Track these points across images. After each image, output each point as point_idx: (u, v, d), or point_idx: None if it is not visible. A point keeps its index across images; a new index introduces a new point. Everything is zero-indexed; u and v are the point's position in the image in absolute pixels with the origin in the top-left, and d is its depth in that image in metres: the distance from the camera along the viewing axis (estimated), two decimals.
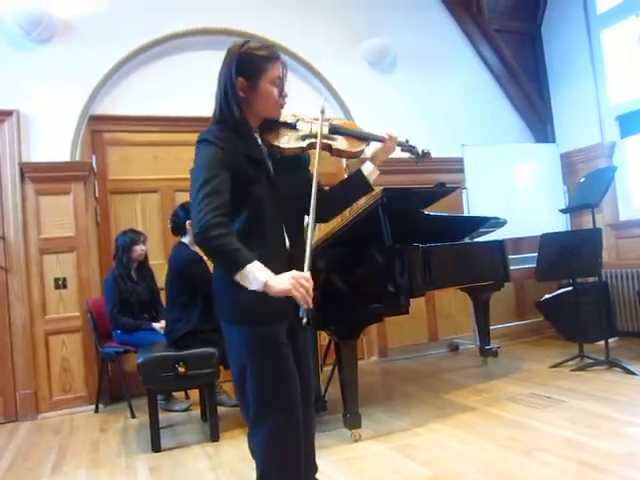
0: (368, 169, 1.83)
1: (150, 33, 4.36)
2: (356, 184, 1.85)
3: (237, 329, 1.70)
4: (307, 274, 1.49)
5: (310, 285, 1.48)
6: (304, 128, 1.71)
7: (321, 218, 1.88)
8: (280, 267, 1.62)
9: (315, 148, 1.66)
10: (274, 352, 1.67)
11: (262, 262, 1.56)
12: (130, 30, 4.31)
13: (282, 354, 1.69)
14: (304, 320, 1.45)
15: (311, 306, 1.46)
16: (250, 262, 1.49)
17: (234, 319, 1.70)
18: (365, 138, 1.81)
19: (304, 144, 1.69)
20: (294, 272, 1.50)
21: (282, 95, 1.69)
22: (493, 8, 5.53)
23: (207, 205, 1.49)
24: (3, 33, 4.01)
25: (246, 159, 1.64)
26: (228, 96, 1.66)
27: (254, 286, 1.49)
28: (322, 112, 1.71)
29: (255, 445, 1.73)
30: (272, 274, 1.49)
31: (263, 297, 1.59)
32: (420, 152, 1.91)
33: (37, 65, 4.07)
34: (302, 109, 1.80)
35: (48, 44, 4.11)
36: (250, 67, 1.63)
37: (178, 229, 3.37)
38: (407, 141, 1.89)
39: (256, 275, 1.48)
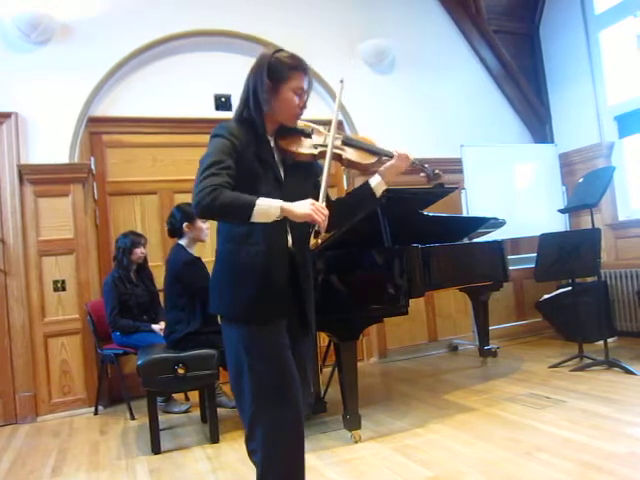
0: (375, 181, 1.86)
1: (148, 35, 4.36)
2: (362, 195, 1.88)
3: (235, 327, 1.71)
4: (323, 204, 1.59)
5: (327, 214, 1.57)
6: (318, 137, 1.79)
7: (327, 227, 1.93)
8: (281, 262, 1.72)
9: (325, 158, 1.73)
10: (273, 350, 1.69)
11: (263, 255, 1.69)
12: (128, 32, 4.32)
13: (281, 353, 1.70)
14: (319, 234, 1.57)
15: (324, 231, 1.58)
16: (256, 199, 1.54)
17: (233, 314, 1.72)
18: (377, 153, 1.85)
19: (316, 151, 1.76)
20: (312, 200, 1.58)
21: (301, 106, 1.75)
22: (491, 9, 5.54)
23: (205, 180, 1.54)
24: (2, 35, 4.01)
25: (256, 158, 1.69)
26: (256, 94, 1.71)
27: (273, 215, 1.55)
28: (341, 81, 1.85)
29: (255, 446, 1.72)
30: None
31: (264, 293, 1.68)
32: (432, 173, 1.93)
33: (36, 67, 4.06)
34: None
35: (46, 46, 4.11)
36: (276, 72, 1.70)
37: (175, 231, 3.36)
38: (419, 161, 1.92)
39: (270, 204, 1.55)
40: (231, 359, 1.74)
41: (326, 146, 1.74)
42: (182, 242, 3.34)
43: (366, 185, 1.86)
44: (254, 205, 1.52)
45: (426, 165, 1.95)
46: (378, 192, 1.86)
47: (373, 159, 1.84)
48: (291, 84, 1.70)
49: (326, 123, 1.82)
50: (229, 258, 1.73)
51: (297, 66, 1.72)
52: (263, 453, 1.69)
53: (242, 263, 1.69)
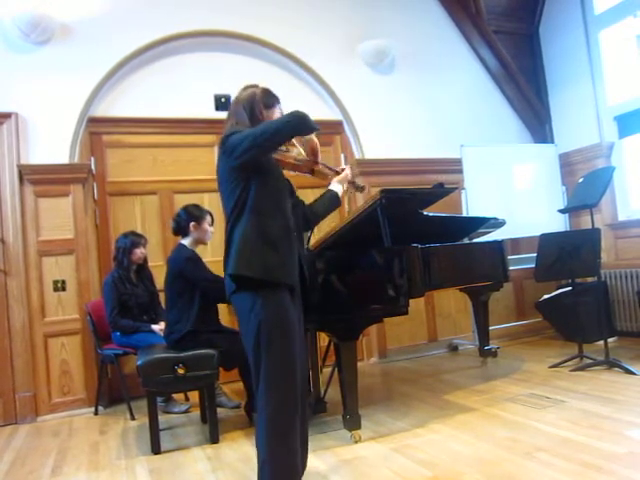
0: (337, 187, 2.50)
1: (149, 35, 4.36)
2: (329, 199, 2.48)
3: (257, 290, 1.94)
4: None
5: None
6: (296, 153, 2.29)
7: (304, 227, 2.42)
8: (293, 243, 2.07)
9: (300, 170, 2.31)
10: (286, 314, 1.96)
11: (287, 230, 2.06)
12: (129, 32, 4.32)
13: (295, 329, 1.99)
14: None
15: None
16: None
17: (260, 274, 1.94)
18: (332, 168, 2.51)
19: (294, 162, 2.28)
20: None
21: None
22: (491, 9, 5.54)
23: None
24: (1, 35, 4.01)
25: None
26: (254, 115, 2.12)
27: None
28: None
29: (259, 415, 1.94)
30: None
31: (289, 261, 2.03)
32: (359, 186, 2.63)
33: (35, 67, 4.07)
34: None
35: (46, 46, 4.11)
36: (267, 99, 2.18)
37: (180, 229, 3.36)
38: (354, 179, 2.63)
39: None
40: (251, 325, 1.94)
41: (298, 160, 2.27)
42: (185, 242, 3.34)
43: (331, 192, 2.47)
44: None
45: (353, 181, 2.62)
46: (340, 194, 2.49)
47: (331, 172, 2.47)
48: (276, 110, 2.19)
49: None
50: (258, 228, 1.98)
51: (276, 97, 2.21)
52: (266, 431, 1.91)
53: (271, 233, 1.99)
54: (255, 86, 2.21)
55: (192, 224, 3.30)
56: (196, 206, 3.40)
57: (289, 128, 1.96)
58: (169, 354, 3.06)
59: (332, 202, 2.48)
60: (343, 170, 2.50)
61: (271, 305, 1.93)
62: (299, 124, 1.97)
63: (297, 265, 2.10)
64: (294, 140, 2.23)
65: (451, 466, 2.45)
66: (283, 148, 2.22)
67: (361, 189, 2.62)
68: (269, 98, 2.18)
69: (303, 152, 2.27)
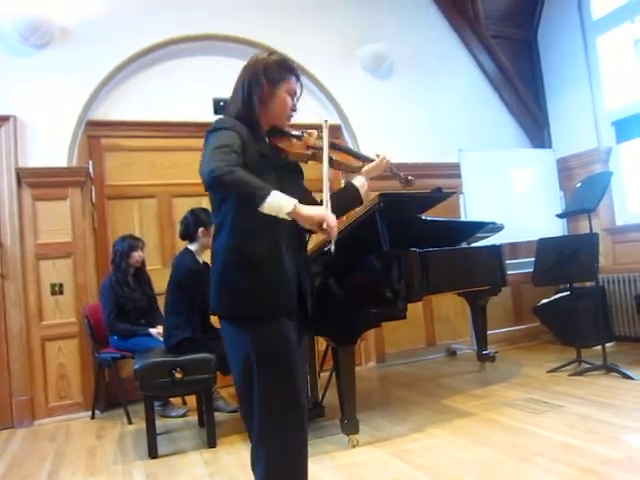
0: (360, 181, 1.94)
1: (147, 39, 4.37)
2: (348, 195, 1.95)
3: (246, 327, 1.65)
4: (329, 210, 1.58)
5: (336, 224, 1.57)
6: (309, 140, 1.85)
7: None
8: (291, 256, 1.70)
9: (316, 160, 1.80)
10: (285, 351, 1.64)
11: (278, 251, 1.66)
12: (127, 36, 4.32)
13: (292, 353, 1.67)
14: (332, 248, 1.57)
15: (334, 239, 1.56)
16: (272, 188, 1.49)
17: (244, 311, 1.65)
18: (360, 157, 2.00)
19: (308, 152, 1.82)
20: (324, 208, 1.58)
21: (293, 108, 1.82)
22: (490, 14, 5.56)
23: (220, 155, 1.52)
24: (1, 38, 4.01)
25: (258, 154, 1.69)
26: (252, 94, 1.74)
27: (283, 211, 1.48)
28: (325, 121, 1.85)
29: (261, 452, 1.65)
30: None
31: (281, 288, 1.66)
32: (405, 178, 2.06)
33: (34, 70, 4.06)
34: (299, 114, 1.88)
35: (45, 49, 4.11)
36: (273, 73, 1.75)
37: (188, 234, 3.34)
38: (395, 168, 2.05)
39: (285, 199, 1.49)
40: (238, 362, 1.67)
41: (317, 148, 1.81)
42: (192, 247, 3.32)
43: (351, 186, 1.93)
44: (269, 193, 1.47)
45: (400, 172, 2.08)
46: (362, 192, 1.94)
47: (359, 163, 1.96)
48: (286, 86, 1.77)
49: (321, 127, 1.84)
50: (242, 252, 1.65)
51: (291, 69, 1.79)
52: (271, 457, 1.63)
53: (258, 257, 1.64)
54: (272, 53, 1.83)
55: (201, 229, 3.28)
56: (204, 210, 3.35)
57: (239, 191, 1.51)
58: (167, 358, 3.05)
59: (347, 201, 1.95)
60: (374, 160, 1.96)
61: (261, 339, 1.63)
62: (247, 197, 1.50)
63: (295, 286, 1.72)
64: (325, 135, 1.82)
65: (449, 471, 2.44)
66: (297, 133, 1.84)
67: (409, 182, 2.07)
68: (275, 71, 1.75)
69: (325, 135, 1.81)
